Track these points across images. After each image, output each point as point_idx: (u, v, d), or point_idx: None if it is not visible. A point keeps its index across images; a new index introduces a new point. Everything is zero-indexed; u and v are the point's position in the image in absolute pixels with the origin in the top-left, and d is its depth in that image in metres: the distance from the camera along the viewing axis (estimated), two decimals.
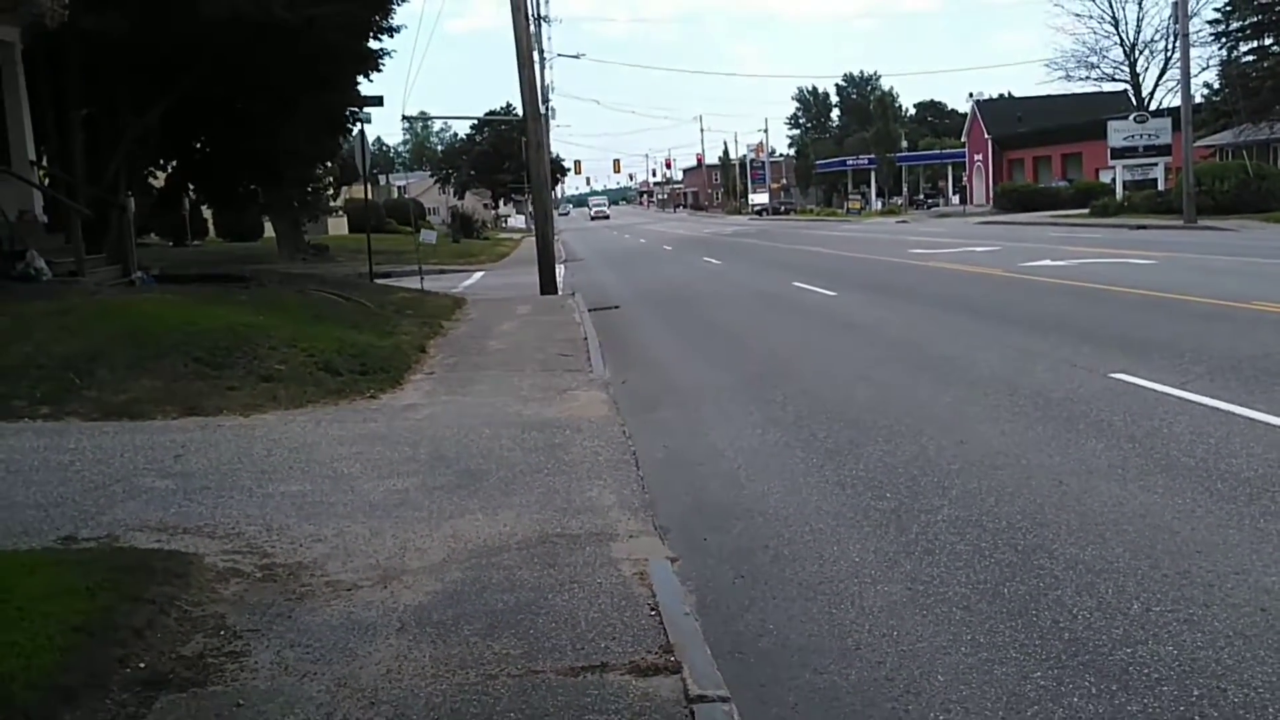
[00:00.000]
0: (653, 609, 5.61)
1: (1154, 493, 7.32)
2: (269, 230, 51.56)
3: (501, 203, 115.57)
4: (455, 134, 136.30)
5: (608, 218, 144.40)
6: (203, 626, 5.59)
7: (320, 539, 7.04)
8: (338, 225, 67.58)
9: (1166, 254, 28.08)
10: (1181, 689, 4.50)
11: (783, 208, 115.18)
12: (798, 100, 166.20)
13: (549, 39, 28.18)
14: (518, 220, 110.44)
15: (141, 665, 5.06)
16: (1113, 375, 11.24)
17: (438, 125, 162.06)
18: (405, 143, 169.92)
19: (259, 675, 5.01)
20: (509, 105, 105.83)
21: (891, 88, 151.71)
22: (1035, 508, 7.11)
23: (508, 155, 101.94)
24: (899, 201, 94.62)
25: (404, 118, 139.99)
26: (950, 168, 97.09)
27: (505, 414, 11.18)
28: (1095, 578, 5.80)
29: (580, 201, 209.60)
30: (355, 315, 18.39)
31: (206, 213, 50.64)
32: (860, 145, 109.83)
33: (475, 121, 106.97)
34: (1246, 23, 48.88)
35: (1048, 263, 26.66)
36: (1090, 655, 4.89)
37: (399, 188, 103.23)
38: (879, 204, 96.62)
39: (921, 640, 5.24)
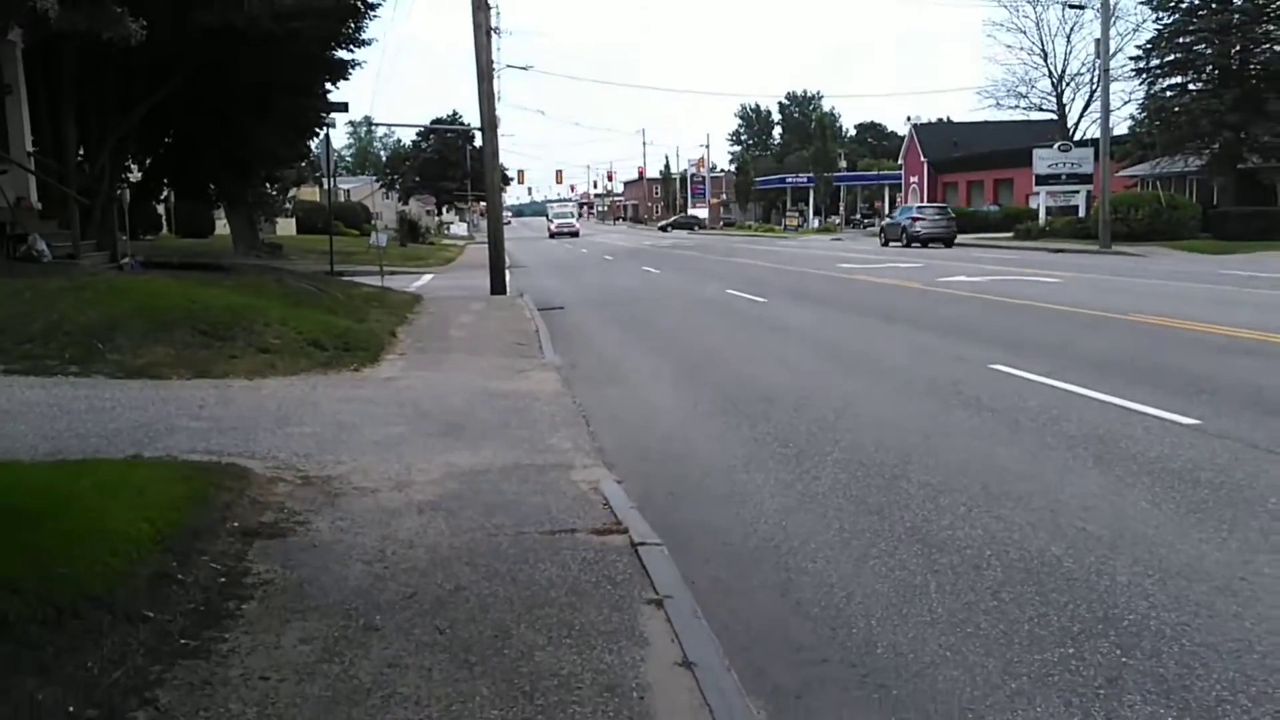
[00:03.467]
0: (605, 504, 7.56)
1: (999, 445, 9.42)
2: (220, 228, 52.80)
3: (445, 209, 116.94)
4: (399, 140, 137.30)
5: (576, 234, 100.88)
6: (270, 507, 7.45)
7: (340, 463, 8.87)
8: (286, 226, 68.80)
9: (1073, 274, 30.61)
10: (978, 552, 6.51)
11: (694, 225, 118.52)
12: (740, 117, 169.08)
13: (498, 50, 29.73)
14: (460, 228, 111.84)
15: (235, 525, 6.92)
16: (992, 366, 13.38)
17: (381, 130, 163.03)
18: (349, 146, 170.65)
19: (322, 534, 6.89)
20: (455, 113, 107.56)
21: (833, 108, 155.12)
22: (904, 453, 9.13)
23: (452, 163, 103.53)
24: (836, 220, 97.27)
25: (350, 123, 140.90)
26: (887, 189, 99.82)
27: (473, 386, 13.03)
28: (937, 494, 7.82)
29: (527, 211, 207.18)
30: (329, 303, 20.18)
31: (159, 208, 51.70)
32: (800, 164, 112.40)
33: (421, 129, 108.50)
34: (1165, 60, 51.72)
35: (963, 278, 29.04)
36: (921, 535, 6.90)
37: (345, 191, 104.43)
38: (816, 222, 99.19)
39: (802, 527, 7.22)
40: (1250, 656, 4.91)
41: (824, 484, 8.28)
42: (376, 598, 5.66)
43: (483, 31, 27.30)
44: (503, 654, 4.91)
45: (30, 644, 4.67)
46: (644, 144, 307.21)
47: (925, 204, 65.85)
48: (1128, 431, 9.52)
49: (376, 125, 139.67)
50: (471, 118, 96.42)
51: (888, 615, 5.58)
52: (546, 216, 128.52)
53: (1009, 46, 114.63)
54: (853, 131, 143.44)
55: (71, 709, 4.25)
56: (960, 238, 56.24)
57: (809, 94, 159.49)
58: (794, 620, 5.62)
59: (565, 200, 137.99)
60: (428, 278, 36.87)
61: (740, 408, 11.66)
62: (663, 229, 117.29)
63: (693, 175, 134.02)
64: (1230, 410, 10.29)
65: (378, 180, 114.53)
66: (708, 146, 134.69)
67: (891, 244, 56.49)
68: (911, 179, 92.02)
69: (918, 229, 54.34)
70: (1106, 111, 46.25)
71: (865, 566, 6.37)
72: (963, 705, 4.58)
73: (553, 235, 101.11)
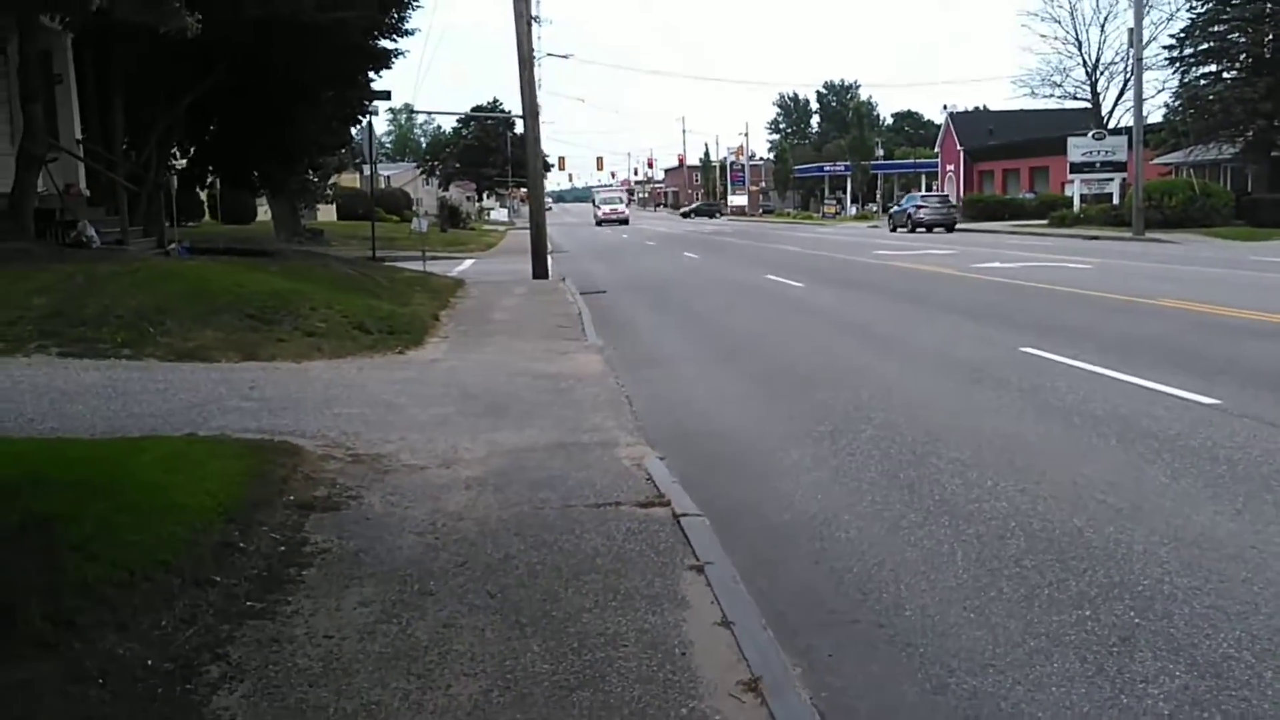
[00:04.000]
0: (648, 479, 7.86)
1: (1025, 423, 9.66)
2: (261, 214, 53.41)
3: (485, 195, 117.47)
4: (439, 126, 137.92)
5: (625, 221, 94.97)
6: (323, 482, 7.78)
7: (388, 441, 9.20)
8: (327, 212, 69.44)
9: (1105, 260, 30.66)
10: (1003, 523, 6.76)
11: (714, 211, 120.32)
12: (778, 105, 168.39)
13: (538, 38, 30.11)
14: (500, 213, 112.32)
15: (292, 499, 7.26)
16: (1021, 349, 13.59)
17: (421, 117, 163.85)
18: (389, 133, 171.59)
19: (374, 507, 7.22)
20: (495, 100, 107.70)
21: (870, 97, 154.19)
22: (934, 431, 9.38)
23: (492, 149, 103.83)
24: (873, 208, 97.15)
25: (390, 110, 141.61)
26: (924, 177, 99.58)
27: (516, 367, 13.37)
28: (965, 469, 8.08)
29: (568, 197, 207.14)
30: (372, 287, 20.57)
31: (202, 195, 52.33)
32: (838, 152, 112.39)
33: (461, 116, 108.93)
34: (1198, 49, 51.57)
35: (997, 265, 29.17)
36: (949, 508, 7.16)
37: (386, 178, 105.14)
38: (854, 209, 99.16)
39: (837, 501, 7.49)
40: (1256, 618, 5.16)
41: (857, 460, 8.54)
42: (429, 565, 5.99)
43: (524, 21, 27.63)
44: (551, 616, 5.23)
45: (109, 604, 5.02)
46: (683, 132, 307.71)
47: (929, 193, 71.34)
48: (1150, 411, 9.73)
49: (418, 113, 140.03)
50: (511, 104, 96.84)
51: (916, 581, 5.86)
52: (593, 203, 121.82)
53: (1043, 36, 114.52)
54: (889, 120, 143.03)
55: (150, 662, 4.58)
56: (996, 225, 58.73)
57: (846, 83, 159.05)
58: (827, 585, 5.90)
59: (613, 185, 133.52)
60: (469, 263, 37.30)
61: (777, 388, 11.94)
62: (684, 214, 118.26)
63: (732, 163, 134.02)
64: (1251, 391, 10.50)
65: (418, 166, 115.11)
66: (746, 135, 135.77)
67: (899, 230, 59.89)
68: (948, 167, 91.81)
69: (921, 215, 58.46)
70: (1140, 100, 46.11)
71: (895, 536, 6.64)
72: (984, 661, 4.86)
73: (600, 222, 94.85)
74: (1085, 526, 6.60)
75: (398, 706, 4.28)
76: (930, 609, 5.48)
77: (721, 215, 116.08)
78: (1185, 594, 5.49)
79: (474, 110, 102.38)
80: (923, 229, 56.89)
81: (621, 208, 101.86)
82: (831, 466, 8.45)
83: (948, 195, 68.81)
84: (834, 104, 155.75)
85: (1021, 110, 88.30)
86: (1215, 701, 4.39)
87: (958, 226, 57.80)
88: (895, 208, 67.21)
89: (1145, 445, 8.57)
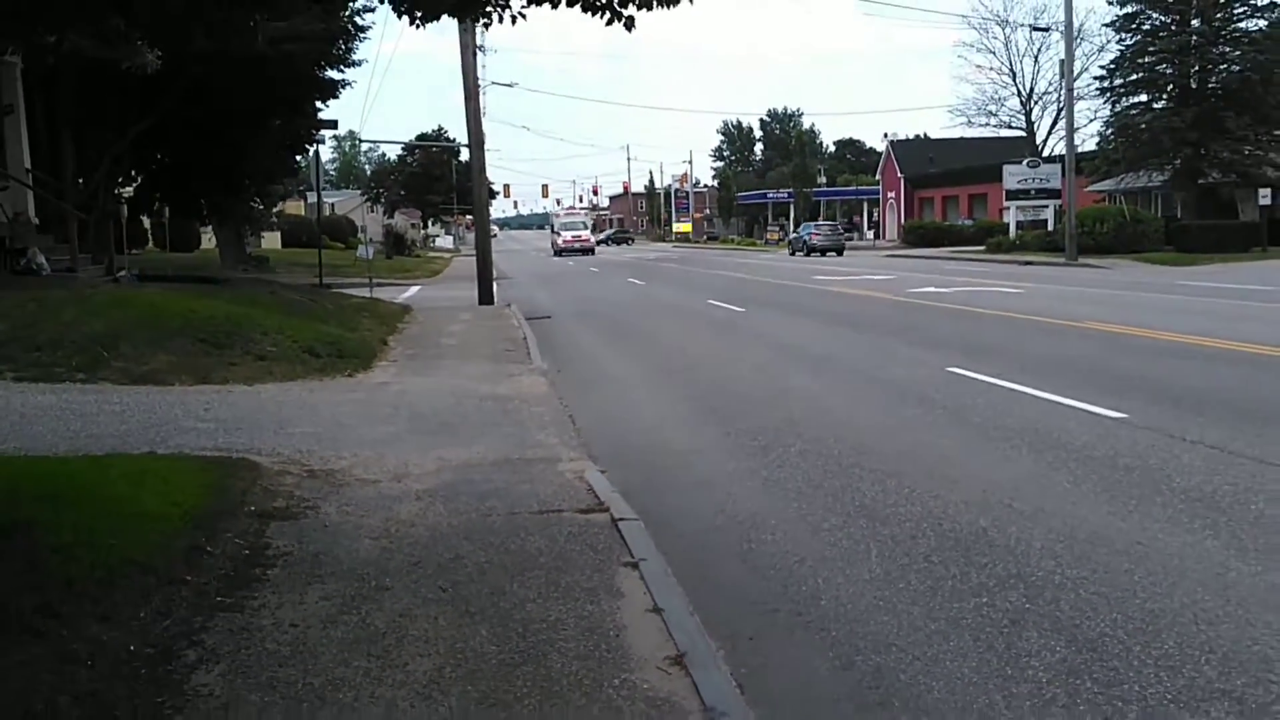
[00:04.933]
0: (589, 490, 8.36)
1: (945, 437, 10.29)
2: (205, 242, 53.40)
3: (430, 223, 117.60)
4: (384, 154, 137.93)
5: (591, 251, 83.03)
6: (281, 494, 8.22)
7: (342, 457, 9.63)
8: (271, 239, 69.40)
9: (1037, 285, 31.64)
10: (916, 525, 7.33)
11: (627, 238, 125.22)
12: (722, 133, 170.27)
13: (484, 67, 30.17)
14: (446, 240, 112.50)
15: (252, 509, 7.70)
16: (948, 369, 14.23)
17: (365, 145, 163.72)
18: (334, 160, 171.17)
19: (331, 516, 7.68)
20: (441, 128, 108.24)
21: (813, 125, 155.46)
22: (860, 445, 9.97)
23: (437, 177, 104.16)
24: None
25: (335, 137, 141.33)
26: (865, 203, 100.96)
27: (464, 389, 13.82)
28: (885, 478, 8.66)
29: (512, 224, 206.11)
30: (321, 313, 20.94)
31: (146, 223, 52.25)
32: (781, 179, 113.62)
33: (406, 144, 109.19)
34: (1128, 80, 53.10)
35: (932, 289, 29.98)
36: (868, 512, 7.73)
37: (330, 205, 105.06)
38: None
39: (765, 507, 8.04)
40: (1133, 602, 5.74)
41: (786, 471, 9.10)
42: (385, 565, 6.46)
43: (469, 51, 28.20)
44: (499, 606, 5.72)
45: (91, 598, 5.46)
46: (628, 159, 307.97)
47: (821, 222, 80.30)
48: (1062, 425, 10.39)
49: (364, 142, 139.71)
50: (456, 132, 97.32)
51: (833, 575, 6.40)
52: (550, 229, 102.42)
53: (979, 66, 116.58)
54: (832, 148, 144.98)
55: (132, 647, 5.03)
56: (933, 251, 61.23)
57: (790, 111, 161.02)
58: (751, 580, 6.44)
59: (575, 210, 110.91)
60: (415, 289, 37.63)
61: (715, 407, 12.49)
62: (601, 242, 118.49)
63: (676, 190, 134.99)
64: (1156, 406, 11.17)
65: (363, 194, 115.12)
66: (690, 162, 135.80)
67: (797, 254, 69.68)
68: (889, 194, 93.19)
69: (815, 241, 69.01)
70: (1071, 130, 47.57)
71: (817, 537, 7.19)
72: (889, 642, 5.40)
73: (559, 252, 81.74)
74: (990, 527, 7.18)
75: (360, 681, 4.76)
76: (844, 599, 6.03)
77: (633, 243, 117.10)
78: (1073, 583, 6.07)
79: (419, 138, 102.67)
80: (817, 253, 66.54)
81: (586, 234, 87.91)
82: (762, 477, 9.00)
83: (837, 224, 79.75)
84: (777, 131, 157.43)
85: (961, 138, 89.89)
86: (1088, 671, 4.95)
87: (898, 253, 59.04)
88: (794, 235, 76.91)
89: (1054, 455, 9.19)
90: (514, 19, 7.15)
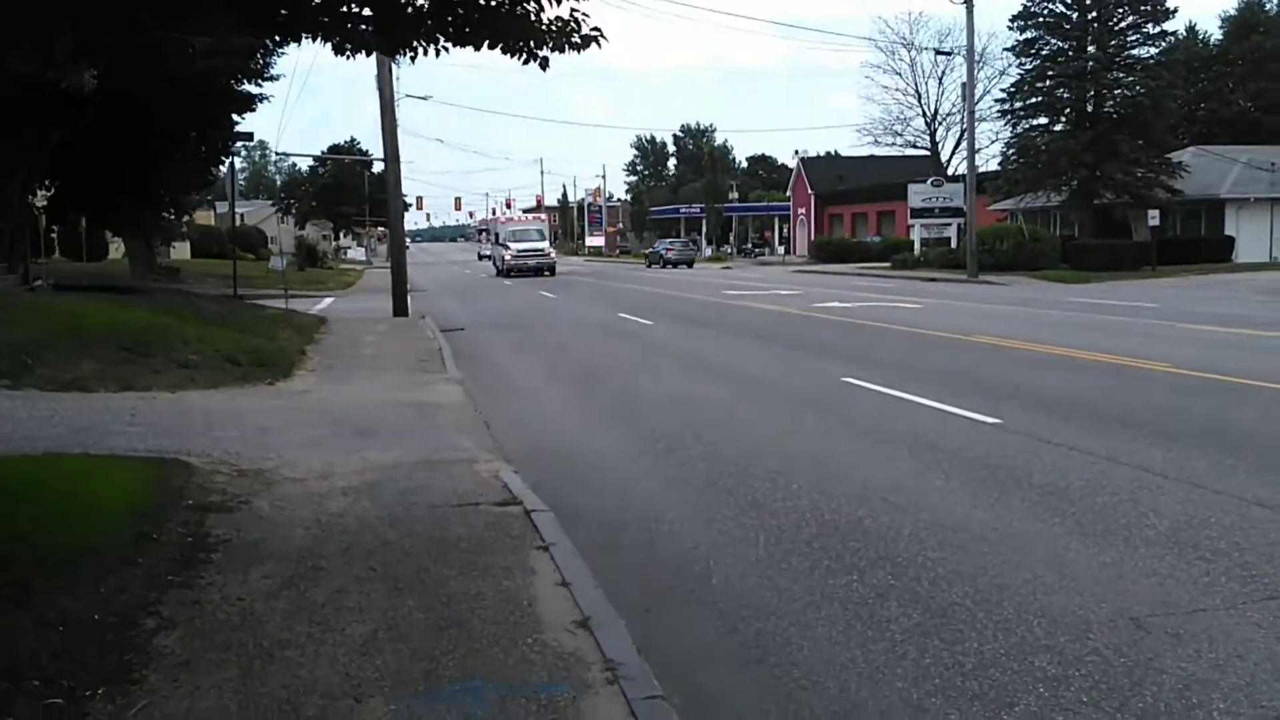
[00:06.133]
0: (504, 486, 9.05)
1: (835, 440, 11.17)
2: (113, 251, 53.07)
3: (341, 234, 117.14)
4: (294, 164, 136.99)
5: (551, 270, 59.58)
6: (215, 491, 8.80)
7: (268, 459, 10.20)
8: (181, 249, 68.97)
9: (936, 301, 32.93)
10: (801, 516, 8.12)
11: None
12: (636, 148, 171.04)
13: (398, 79, 30.40)
14: (358, 253, 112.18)
15: (190, 502, 8.28)
16: (843, 379, 15.14)
17: (276, 156, 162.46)
18: (244, 170, 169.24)
19: (264, 509, 8.29)
20: (353, 139, 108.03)
21: (725, 141, 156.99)
22: (756, 447, 10.79)
23: (350, 188, 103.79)
24: (727, 249, 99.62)
25: (244, 147, 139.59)
26: (777, 219, 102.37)
27: (382, 397, 14.42)
28: (776, 476, 9.45)
29: (423, 236, 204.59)
30: (239, 324, 21.37)
31: (51, 232, 51.75)
32: (694, 194, 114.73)
33: (319, 156, 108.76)
34: (1027, 103, 55.07)
35: (836, 304, 31.10)
36: (759, 506, 8.50)
37: (240, 215, 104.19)
38: (709, 251, 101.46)
39: (666, 502, 8.79)
40: (983, 578, 6.57)
41: (686, 471, 9.88)
42: (319, 550, 7.11)
43: (385, 67, 28.67)
44: (424, 582, 6.40)
45: (56, 576, 6.04)
46: (542, 173, 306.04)
47: (674, 239, 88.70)
48: (942, 429, 11.30)
49: (281, 155, 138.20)
50: (368, 143, 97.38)
51: (723, 558, 7.17)
52: (492, 239, 79.10)
53: (886, 88, 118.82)
54: (744, 164, 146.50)
55: (97, 616, 5.63)
56: (842, 267, 62.95)
57: (703, 127, 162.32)
58: (650, 564, 7.19)
59: (528, 217, 79.51)
60: (329, 301, 37.92)
61: (622, 413, 13.25)
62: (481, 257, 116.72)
63: (589, 204, 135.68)
64: (1029, 412, 12.17)
65: (273, 204, 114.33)
66: (604, 176, 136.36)
67: (653, 266, 76.74)
68: (800, 210, 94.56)
69: (670, 256, 76.89)
70: (972, 151, 49.36)
71: (711, 527, 7.96)
72: (769, 612, 6.17)
73: (507, 272, 60.14)
74: (866, 517, 8.00)
75: (304, 643, 5.42)
76: (732, 578, 6.79)
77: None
78: (933, 563, 6.89)
79: (331, 150, 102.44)
80: (671, 265, 74.58)
81: (544, 247, 62.96)
82: (664, 476, 9.77)
83: (688, 240, 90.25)
84: (691, 147, 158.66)
85: (870, 156, 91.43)
86: (937, 632, 5.76)
87: (807, 268, 60.53)
88: (651, 250, 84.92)
89: (931, 456, 10.07)
90: (438, 53, 7.81)
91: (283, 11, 7.12)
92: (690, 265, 73.72)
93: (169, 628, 5.60)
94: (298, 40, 7.19)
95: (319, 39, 7.31)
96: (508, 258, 60.79)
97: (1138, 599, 6.15)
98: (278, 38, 7.61)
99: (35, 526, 6.77)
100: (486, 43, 7.01)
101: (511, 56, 7.06)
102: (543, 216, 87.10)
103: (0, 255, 23.71)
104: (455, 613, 5.86)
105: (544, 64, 7.16)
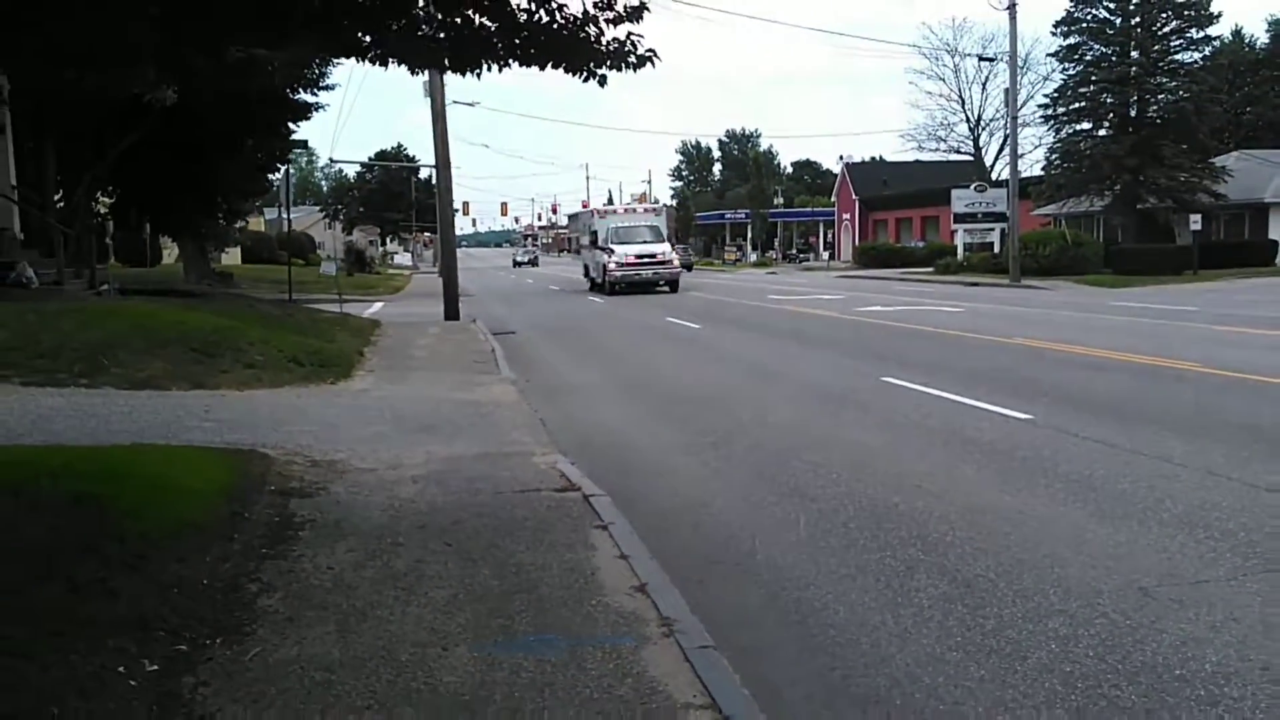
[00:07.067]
0: (562, 475, 9.69)
1: (873, 435, 11.74)
2: (167, 257, 54.23)
3: (388, 240, 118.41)
4: (340, 170, 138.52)
5: (675, 286, 42.83)
6: (293, 478, 9.48)
7: (339, 451, 10.87)
8: (232, 255, 70.20)
9: (977, 304, 33.36)
10: (839, 502, 8.71)
11: (533, 259, 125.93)
12: (681, 154, 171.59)
13: (445, 86, 30.14)
14: (404, 258, 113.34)
15: (273, 488, 8.97)
16: (883, 379, 15.70)
17: (322, 160, 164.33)
18: (291, 176, 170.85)
19: (341, 495, 8.96)
20: (400, 145, 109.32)
21: (770, 146, 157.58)
22: (800, 443, 11.36)
23: (396, 194, 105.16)
24: (772, 254, 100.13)
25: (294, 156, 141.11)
26: (821, 225, 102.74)
27: (440, 396, 15.10)
28: (817, 467, 10.04)
29: (468, 241, 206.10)
30: (298, 326, 22.14)
31: (108, 238, 52.88)
32: (739, 200, 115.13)
33: (367, 163, 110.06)
34: (1070, 108, 55.37)
35: (878, 308, 31.63)
36: (800, 493, 9.10)
37: (289, 220, 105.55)
38: (754, 256, 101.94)
39: (713, 490, 9.41)
40: (1005, 554, 7.15)
41: (732, 463, 10.49)
42: (396, 528, 7.77)
43: (438, 76, 29.39)
44: (494, 555, 7.04)
45: (163, 546, 6.72)
46: (587, 178, 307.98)
47: (677, 245, 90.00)
48: (975, 424, 11.86)
49: (331, 162, 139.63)
50: (414, 149, 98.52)
51: (767, 538, 7.77)
52: (590, 241, 53.33)
53: (930, 93, 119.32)
54: (789, 169, 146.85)
55: (205, 581, 6.30)
56: (885, 272, 63.43)
57: (748, 132, 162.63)
58: (699, 542, 7.81)
59: (636, 209, 57.09)
60: (380, 305, 38.74)
61: (671, 411, 13.87)
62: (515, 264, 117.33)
63: None
64: (1059, 408, 12.68)
65: (321, 210, 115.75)
66: (649, 182, 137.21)
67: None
68: (844, 215, 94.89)
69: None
70: (1015, 156, 49.71)
71: (756, 511, 8.57)
72: (808, 583, 6.77)
73: (610, 288, 43.76)
74: (901, 502, 8.58)
75: (391, 604, 6.08)
76: (775, 555, 7.39)
77: (535, 265, 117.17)
78: (961, 541, 7.46)
79: (378, 156, 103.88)
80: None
81: (664, 251, 45.78)
82: (712, 468, 10.38)
83: (687, 247, 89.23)
84: (736, 152, 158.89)
85: (915, 161, 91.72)
86: (961, 599, 6.35)
87: (851, 273, 60.99)
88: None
89: (963, 449, 10.64)
90: (501, 69, 8.46)
91: (367, 39, 7.77)
92: (690, 269, 71.84)
93: (270, 591, 6.27)
94: (383, 64, 7.80)
95: (397, 62, 7.96)
96: (611, 266, 43.80)
97: (1147, 572, 6.71)
98: (355, 59, 8.20)
99: (139, 503, 7.45)
100: (550, 63, 7.64)
101: (573, 75, 7.70)
102: (656, 206, 62.09)
103: (67, 259, 24.57)
104: (525, 580, 6.50)
105: (602, 81, 7.80)
